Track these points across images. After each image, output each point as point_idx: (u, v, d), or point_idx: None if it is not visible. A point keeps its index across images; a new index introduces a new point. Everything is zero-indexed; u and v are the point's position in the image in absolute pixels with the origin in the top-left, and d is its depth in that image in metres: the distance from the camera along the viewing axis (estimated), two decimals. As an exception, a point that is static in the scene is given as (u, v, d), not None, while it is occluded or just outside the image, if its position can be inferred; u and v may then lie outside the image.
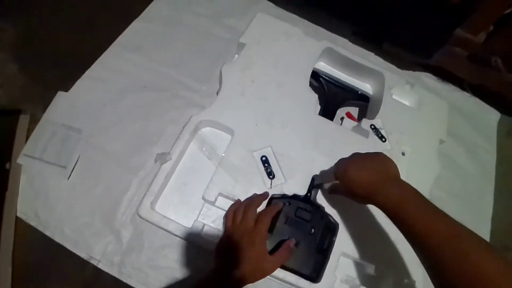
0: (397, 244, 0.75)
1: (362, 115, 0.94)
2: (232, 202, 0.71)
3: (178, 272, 0.78)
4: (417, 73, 1.08)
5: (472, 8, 0.87)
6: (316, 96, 0.84)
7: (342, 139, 0.81)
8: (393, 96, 0.90)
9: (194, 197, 0.72)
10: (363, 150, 0.78)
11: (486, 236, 0.93)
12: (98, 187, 0.81)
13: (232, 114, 0.77)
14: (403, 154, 0.84)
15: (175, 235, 0.68)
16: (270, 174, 0.73)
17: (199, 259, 0.80)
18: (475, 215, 0.95)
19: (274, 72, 0.84)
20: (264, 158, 0.75)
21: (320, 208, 0.73)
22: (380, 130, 0.84)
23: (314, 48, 0.89)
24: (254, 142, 0.76)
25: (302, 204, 0.72)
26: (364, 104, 0.94)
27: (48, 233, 0.77)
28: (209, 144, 0.78)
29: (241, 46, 0.85)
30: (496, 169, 1.02)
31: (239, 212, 0.66)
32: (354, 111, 0.96)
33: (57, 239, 0.76)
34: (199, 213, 0.72)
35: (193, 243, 0.68)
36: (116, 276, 0.76)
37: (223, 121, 0.77)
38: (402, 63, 1.05)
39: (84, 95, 0.89)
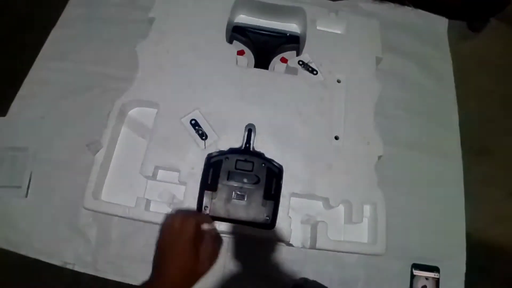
0: (349, 172, 0.73)
1: None
2: (173, 173, 0.71)
3: (149, 255, 0.79)
4: (351, 1, 1.05)
5: None
6: (234, 48, 0.83)
7: (268, 83, 0.79)
8: (318, 28, 0.87)
9: (137, 178, 0.72)
10: (293, 88, 0.79)
11: (457, 144, 0.91)
12: (56, 196, 0.82)
13: (154, 88, 0.77)
14: (338, 81, 0.81)
15: (124, 217, 0.69)
16: (203, 135, 0.73)
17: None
18: (443, 126, 0.92)
19: (188, 37, 0.82)
20: (193, 122, 0.74)
21: (260, 155, 0.73)
22: (309, 64, 0.82)
23: (224, 1, 0.87)
24: (181, 109, 0.75)
25: (241, 156, 0.72)
26: (296, 47, 0.90)
27: (22, 252, 0.79)
28: (139, 123, 0.78)
29: (151, 21, 0.84)
30: (454, 74, 0.98)
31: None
32: (292, 55, 0.92)
33: (31, 255, 0.79)
34: (145, 191, 0.73)
35: (144, 220, 0.68)
36: (93, 274, 0.78)
37: (146, 97, 0.76)
38: None
39: (21, 114, 0.90)
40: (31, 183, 0.84)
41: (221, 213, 0.68)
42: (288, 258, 0.75)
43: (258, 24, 0.92)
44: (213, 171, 0.71)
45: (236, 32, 0.89)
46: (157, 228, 0.59)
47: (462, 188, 0.87)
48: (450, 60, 0.99)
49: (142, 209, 0.68)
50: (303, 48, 0.86)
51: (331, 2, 1.01)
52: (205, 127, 0.74)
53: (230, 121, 0.75)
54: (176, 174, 0.71)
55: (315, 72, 0.81)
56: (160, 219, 0.64)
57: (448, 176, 0.88)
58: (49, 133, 0.88)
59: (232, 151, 0.72)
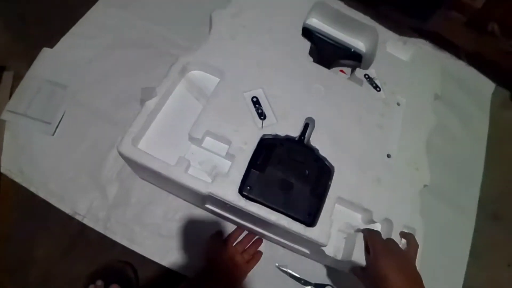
0: (395, 191, 0.71)
1: None
2: (221, 144, 0.67)
3: (163, 229, 0.75)
4: (412, 39, 1.07)
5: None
6: (309, 43, 0.82)
7: (335, 85, 0.78)
8: (387, 49, 0.88)
9: (181, 139, 0.67)
10: (357, 96, 0.78)
11: (474, 203, 0.92)
12: (84, 143, 0.79)
13: (222, 56, 0.74)
14: (398, 104, 0.81)
15: (160, 174, 0.62)
16: (262, 115, 0.70)
17: (184, 218, 0.77)
18: (464, 181, 0.93)
19: (266, 20, 0.81)
20: (255, 99, 0.71)
21: (314, 151, 0.70)
22: (374, 79, 0.82)
23: (305, 1, 0.88)
24: (245, 84, 0.72)
25: (296, 146, 0.69)
26: (357, 64, 0.91)
27: (32, 189, 0.74)
28: (198, 86, 0.73)
29: None
30: (488, 138, 1.00)
31: (243, 244, 0.75)
32: (347, 71, 0.93)
33: (42, 194, 0.74)
34: (186, 153, 0.67)
35: (181, 183, 0.62)
36: (101, 231, 0.73)
37: (213, 62, 0.73)
38: (398, 28, 1.03)
39: (69, 51, 0.87)
40: (61, 123, 0.80)
41: (263, 197, 0.63)
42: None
43: (327, 31, 0.92)
44: (265, 153, 0.67)
45: (303, 34, 0.87)
46: (181, 203, 0.74)
47: (469, 245, 0.87)
48: (488, 123, 1.02)
49: (182, 169, 0.62)
50: (366, 67, 0.86)
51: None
52: (266, 108, 0.71)
53: (291, 109, 0.72)
54: (224, 146, 0.66)
55: (378, 89, 0.82)
56: (198, 186, 0.61)
57: (459, 230, 0.88)
58: (94, 78, 0.85)
59: (288, 139, 0.69)
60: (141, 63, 0.86)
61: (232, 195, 0.61)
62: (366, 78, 0.82)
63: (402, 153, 0.76)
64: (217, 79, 0.73)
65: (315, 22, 0.93)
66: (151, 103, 0.66)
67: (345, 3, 1.00)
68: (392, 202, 0.70)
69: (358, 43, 0.94)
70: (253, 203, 0.62)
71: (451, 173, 0.92)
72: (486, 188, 0.95)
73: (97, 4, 0.92)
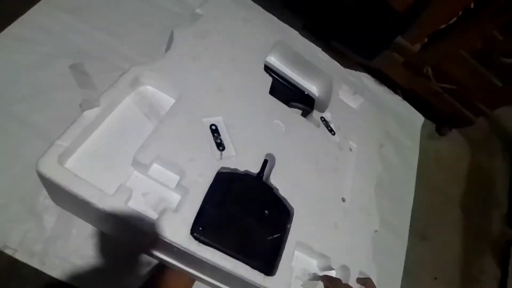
0: (351, 237, 0.71)
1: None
2: (171, 174, 0.59)
3: (109, 263, 0.66)
4: (358, 72, 1.16)
5: (414, 18, 0.97)
6: (271, 79, 0.81)
7: (295, 124, 0.77)
8: (340, 97, 0.91)
9: (123, 162, 0.56)
10: (315, 138, 0.78)
11: (406, 225, 0.99)
12: (17, 164, 0.66)
13: (181, 76, 0.67)
14: (350, 149, 0.84)
15: (89, 202, 0.50)
16: (220, 145, 0.64)
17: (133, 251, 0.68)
18: (397, 205, 1.00)
19: (230, 49, 0.78)
20: (214, 127, 0.65)
21: (273, 190, 0.66)
22: (329, 123, 0.84)
23: (268, 38, 0.87)
24: (204, 109, 0.66)
25: (255, 183, 0.64)
26: (307, 109, 0.91)
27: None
28: (150, 102, 0.64)
29: (196, 17, 0.79)
30: (418, 166, 1.11)
31: None
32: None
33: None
34: (127, 180, 0.56)
35: (115, 215, 0.51)
36: (37, 267, 0.61)
37: (170, 80, 0.65)
38: (346, 62, 1.11)
39: (4, 56, 0.75)
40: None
41: (219, 240, 0.56)
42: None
43: (283, 71, 0.93)
44: (223, 189, 0.60)
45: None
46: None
47: (402, 264, 0.93)
48: (417, 152, 1.14)
49: (122, 200, 0.51)
50: (322, 110, 0.87)
51: (343, 68, 1.08)
52: (224, 138, 0.66)
53: (251, 143, 0.68)
54: (173, 176, 0.58)
55: (333, 132, 0.83)
56: (141, 222, 0.51)
57: (393, 250, 0.94)
58: (32, 89, 0.72)
59: (247, 174, 0.64)
60: (88, 76, 0.78)
61: (182, 237, 0.52)
62: (322, 121, 0.83)
63: (355, 198, 0.76)
64: (172, 100, 0.65)
65: (273, 61, 0.93)
66: (90, 113, 0.55)
67: (300, 33, 1.03)
68: (349, 248, 0.69)
69: (312, 87, 0.96)
70: (206, 247, 0.53)
71: (386, 197, 0.98)
72: (415, 211, 1.03)
73: (39, 4, 0.78)
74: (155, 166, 0.58)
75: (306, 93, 0.94)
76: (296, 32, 0.99)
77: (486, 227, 1.66)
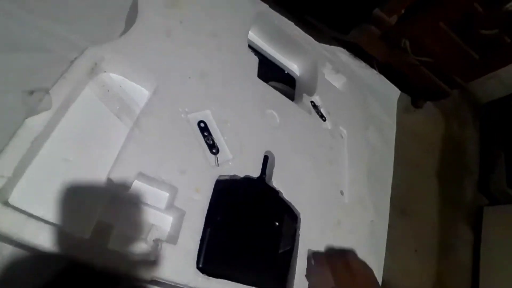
0: (353, 233, 0.66)
1: None
2: (157, 191, 0.46)
3: None
4: (333, 47, 1.06)
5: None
6: (257, 58, 0.67)
7: (288, 113, 0.67)
8: (326, 77, 0.82)
9: (90, 183, 0.41)
10: (308, 127, 0.69)
11: (387, 202, 0.96)
12: None
13: (153, 57, 0.51)
14: (341, 136, 0.77)
15: (50, 253, 0.35)
16: (213, 147, 0.51)
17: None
18: (377, 183, 0.95)
19: (209, 22, 0.63)
20: (202, 125, 0.52)
21: (278, 194, 0.56)
22: (319, 108, 0.75)
23: (248, 9, 0.72)
24: (188, 101, 0.52)
25: (259, 189, 0.55)
26: (289, 90, 0.81)
27: None
28: (117, 95, 0.48)
29: None
30: (395, 142, 1.07)
31: None
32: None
33: None
34: (100, 211, 0.40)
35: (96, 263, 0.37)
36: None
37: (140, 65, 0.50)
38: (320, 37, 1.01)
39: None
40: None
41: (229, 268, 0.47)
42: None
43: (263, 48, 0.80)
44: (225, 203, 0.50)
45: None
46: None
47: (385, 242, 0.90)
48: (395, 128, 1.09)
49: (100, 241, 0.38)
50: (299, 91, 0.78)
51: (317, 43, 0.97)
52: (217, 137, 0.53)
53: (247, 140, 0.56)
54: (161, 193, 0.46)
55: (323, 118, 0.75)
56: (133, 267, 0.38)
57: (376, 229, 0.90)
58: None
59: (248, 179, 0.53)
60: (31, 72, 0.58)
61: (188, 274, 0.41)
62: (312, 105, 0.74)
63: (351, 189, 0.71)
64: (146, 91, 0.50)
65: (251, 36, 0.78)
66: (37, 121, 0.38)
67: (271, 7, 0.88)
68: (352, 245, 0.64)
69: (293, 65, 0.85)
70: (216, 279, 0.43)
71: (370, 178, 0.91)
72: (394, 187, 1.00)
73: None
74: (137, 183, 0.44)
75: (286, 72, 0.83)
76: (266, 5, 0.84)
77: (460, 195, 1.71)
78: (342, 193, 0.69)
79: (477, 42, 1.14)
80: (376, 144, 1.01)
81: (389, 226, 0.93)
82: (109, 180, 0.41)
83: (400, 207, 1.28)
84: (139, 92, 0.50)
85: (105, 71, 0.48)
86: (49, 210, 0.38)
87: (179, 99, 0.51)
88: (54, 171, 0.40)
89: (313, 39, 0.91)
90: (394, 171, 1.02)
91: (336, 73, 0.85)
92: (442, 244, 1.57)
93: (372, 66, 1.14)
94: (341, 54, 1.07)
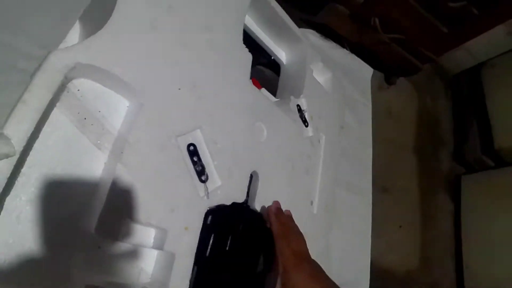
0: (317, 244, 0.65)
1: (265, 84, 0.75)
2: (151, 235, 0.41)
3: None
4: (302, 29, 1.04)
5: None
6: (251, 56, 0.60)
7: (275, 122, 0.62)
8: (314, 74, 0.77)
9: (71, 241, 0.35)
10: (292, 136, 0.66)
11: (369, 182, 0.98)
12: None
13: (135, 57, 0.42)
14: (319, 141, 0.74)
15: None
16: (202, 174, 0.46)
17: None
18: (358, 165, 0.98)
19: (201, 9, 0.52)
20: (192, 148, 0.46)
21: (262, 217, 0.55)
22: (304, 112, 0.71)
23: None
24: (177, 121, 0.45)
25: (246, 216, 0.53)
26: (273, 76, 0.77)
27: None
28: (94, 115, 0.39)
29: None
30: (372, 120, 1.08)
31: None
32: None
33: None
34: (87, 275, 0.35)
35: None
36: None
37: (120, 68, 0.40)
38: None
39: None
40: None
41: None
42: None
43: (251, 29, 0.72)
44: (215, 236, 0.48)
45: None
46: None
47: (370, 221, 0.94)
48: (370, 107, 1.09)
49: None
50: (283, 83, 0.74)
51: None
52: (206, 162, 0.48)
53: (235, 160, 0.52)
54: (151, 236, 0.42)
55: (306, 124, 0.72)
56: None
57: (360, 210, 0.95)
58: None
59: (234, 205, 0.51)
60: None
61: None
62: (298, 110, 0.70)
63: (321, 197, 0.71)
64: (123, 100, 0.43)
65: (248, 20, 0.70)
66: None
67: None
68: (316, 259, 0.61)
69: (280, 52, 0.78)
70: None
71: (347, 160, 0.95)
72: (373, 166, 1.02)
73: None
74: (124, 229, 0.39)
75: (272, 57, 0.77)
76: None
77: (437, 167, 1.75)
78: (311, 203, 0.69)
79: (445, 16, 1.14)
80: (353, 124, 1.00)
81: (373, 204, 0.96)
82: (95, 234, 0.36)
83: (382, 185, 1.31)
84: (117, 103, 0.42)
85: (78, 90, 0.39)
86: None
87: (169, 119, 0.44)
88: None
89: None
90: (373, 150, 1.04)
91: (322, 67, 0.81)
92: (424, 217, 1.65)
93: (343, 46, 1.13)
94: (312, 36, 1.03)
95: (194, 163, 0.46)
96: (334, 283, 0.48)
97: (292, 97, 0.68)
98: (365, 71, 1.13)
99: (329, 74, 0.83)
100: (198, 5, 0.51)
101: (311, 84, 0.74)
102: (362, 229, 0.92)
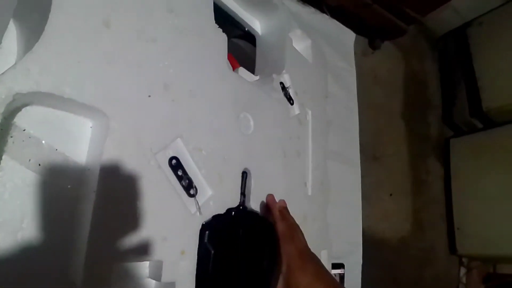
0: (316, 223, 0.66)
1: (242, 59, 0.68)
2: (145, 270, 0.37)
3: None
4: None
5: None
6: (225, 36, 0.52)
7: (261, 108, 0.57)
8: (294, 44, 0.70)
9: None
10: (279, 119, 0.61)
11: (357, 152, 0.96)
12: None
13: (88, 68, 0.34)
14: (306, 118, 0.70)
15: None
16: (190, 187, 0.41)
17: None
18: (345, 135, 0.95)
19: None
20: (174, 162, 0.41)
21: (261, 218, 0.52)
22: (288, 89, 0.66)
23: None
24: (151, 135, 0.39)
25: (242, 219, 0.49)
26: (250, 47, 0.71)
27: None
28: (51, 151, 0.32)
29: None
30: (357, 87, 1.04)
31: None
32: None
33: None
34: None
35: None
36: None
37: (71, 87, 0.33)
38: None
39: None
40: None
41: None
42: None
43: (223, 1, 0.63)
44: (214, 255, 0.44)
45: None
46: None
47: (360, 191, 0.93)
48: (354, 73, 1.05)
49: None
50: (261, 55, 0.68)
51: None
52: (192, 173, 0.43)
53: (225, 163, 0.47)
54: (146, 271, 0.38)
55: (291, 102, 0.66)
56: None
57: (350, 180, 0.93)
58: None
59: (229, 213, 0.47)
60: None
61: None
62: (282, 88, 0.64)
63: (314, 176, 0.69)
64: (89, 123, 0.36)
65: None
66: None
67: None
68: (317, 237, 0.64)
69: (255, 22, 0.70)
70: None
71: (333, 131, 0.91)
72: (362, 134, 0.99)
73: None
74: (116, 272, 0.35)
75: (247, 29, 0.70)
76: None
77: (426, 131, 1.74)
78: (306, 184, 0.67)
79: (430, -29, 1.06)
80: (337, 93, 0.96)
81: (363, 174, 0.95)
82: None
83: (372, 154, 1.30)
84: (78, 126, 0.35)
85: (24, 129, 0.31)
86: None
87: (142, 135, 0.38)
88: None
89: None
90: (361, 117, 1.00)
91: (303, 36, 0.75)
92: (414, 183, 1.64)
93: (322, 11, 1.06)
94: (288, 1, 0.95)
95: (179, 178, 0.41)
96: (336, 281, 0.49)
97: (274, 75, 0.62)
98: (347, 36, 1.07)
99: (309, 41, 0.76)
100: (168, 20, 0.43)
101: (292, 56, 0.68)
102: (353, 199, 0.91)
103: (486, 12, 1.74)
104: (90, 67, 0.34)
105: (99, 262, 0.32)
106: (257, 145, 0.54)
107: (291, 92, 0.65)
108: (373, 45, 1.42)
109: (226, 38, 0.52)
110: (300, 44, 0.75)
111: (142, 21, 0.40)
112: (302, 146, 0.66)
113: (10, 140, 0.29)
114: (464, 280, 1.77)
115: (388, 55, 1.56)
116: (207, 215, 0.43)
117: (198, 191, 0.43)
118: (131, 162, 0.36)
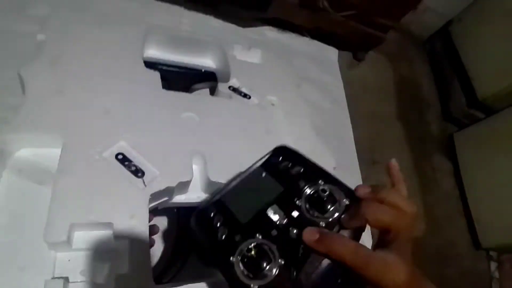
0: None
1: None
2: (103, 232, 0.50)
3: None
4: (259, 28, 1.07)
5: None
6: (158, 73, 0.70)
7: (205, 107, 0.69)
8: (238, 58, 0.84)
9: (38, 251, 0.46)
10: (232, 110, 0.72)
11: (354, 158, 0.97)
12: None
13: (54, 118, 0.55)
14: (272, 104, 0.79)
15: None
16: (138, 172, 0.55)
17: None
18: (339, 145, 0.97)
19: (99, 61, 0.65)
20: (121, 156, 0.55)
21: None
22: (240, 89, 0.78)
23: (135, 34, 0.74)
24: (99, 142, 0.56)
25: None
26: (213, 84, 0.84)
27: None
28: (37, 167, 0.53)
29: (41, 45, 0.63)
30: (347, 98, 1.08)
31: None
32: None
33: None
34: (54, 269, 0.46)
35: None
36: None
37: (44, 130, 0.54)
38: (242, 22, 1.03)
39: None
40: None
41: None
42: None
43: (170, 59, 0.82)
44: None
45: (147, 67, 0.74)
46: None
47: None
48: (342, 86, 1.10)
49: None
50: (226, 80, 0.80)
51: (241, 29, 1.00)
52: (139, 162, 0.56)
53: (170, 150, 0.60)
54: (107, 233, 0.50)
55: (248, 97, 0.77)
56: None
57: (349, 183, 0.92)
58: None
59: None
60: None
61: None
62: (232, 90, 0.76)
63: (299, 145, 0.68)
64: (57, 150, 0.54)
65: (154, 53, 0.81)
66: None
67: (184, 6, 0.90)
68: None
69: (207, 61, 0.87)
70: None
71: (327, 142, 0.94)
72: (359, 141, 1.01)
73: None
74: (78, 235, 0.49)
75: (203, 70, 0.86)
76: (178, 7, 0.87)
77: (427, 129, 1.74)
78: None
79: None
80: (327, 106, 1.02)
81: (363, 177, 0.95)
82: (47, 243, 0.46)
83: (370, 158, 1.33)
84: (53, 154, 0.53)
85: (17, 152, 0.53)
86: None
87: (90, 143, 0.55)
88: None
89: (230, 26, 0.94)
90: (356, 125, 1.04)
91: (249, 49, 0.87)
92: (421, 181, 1.57)
93: (302, 35, 1.16)
94: (269, 32, 1.08)
95: (126, 166, 0.55)
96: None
97: (220, 84, 0.76)
98: (330, 53, 1.15)
99: (259, 52, 0.88)
100: (94, 61, 0.65)
101: (237, 66, 0.80)
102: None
103: (463, 9, 1.83)
104: (54, 114, 0.55)
105: (54, 227, 0.46)
106: (208, 131, 0.66)
107: (243, 90, 0.77)
108: (357, 57, 1.47)
109: (158, 73, 0.69)
110: (251, 56, 0.87)
111: (88, 82, 0.61)
112: (272, 125, 0.74)
113: (13, 161, 0.49)
114: (496, 274, 1.68)
115: (376, 64, 1.58)
116: (154, 189, 0.54)
117: (145, 173, 0.55)
118: (83, 160, 0.53)
